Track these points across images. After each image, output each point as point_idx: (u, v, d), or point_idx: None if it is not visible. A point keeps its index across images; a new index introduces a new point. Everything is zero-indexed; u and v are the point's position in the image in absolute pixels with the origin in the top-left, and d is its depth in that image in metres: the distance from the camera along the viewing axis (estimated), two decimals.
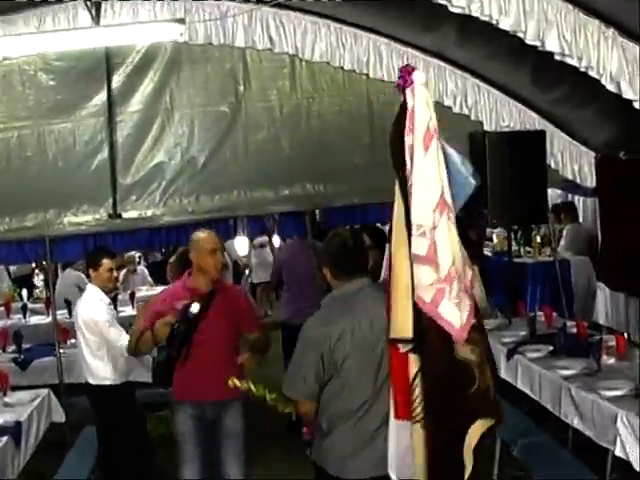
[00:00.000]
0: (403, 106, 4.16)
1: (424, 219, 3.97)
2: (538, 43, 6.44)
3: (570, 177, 9.93)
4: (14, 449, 6.46)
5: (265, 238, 16.76)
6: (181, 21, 7.01)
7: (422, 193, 4.00)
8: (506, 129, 9.39)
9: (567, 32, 6.41)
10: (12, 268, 14.85)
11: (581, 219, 12.63)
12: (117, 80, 9.45)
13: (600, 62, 6.50)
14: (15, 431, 6.56)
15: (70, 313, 10.56)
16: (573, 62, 6.54)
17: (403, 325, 4.16)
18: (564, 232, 12.61)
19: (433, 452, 4.07)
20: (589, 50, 6.48)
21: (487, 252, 13.45)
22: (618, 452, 5.71)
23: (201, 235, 5.97)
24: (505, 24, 6.25)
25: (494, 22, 6.30)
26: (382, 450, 4.42)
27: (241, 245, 14.89)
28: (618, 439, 5.67)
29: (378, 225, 9.23)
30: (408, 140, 4.06)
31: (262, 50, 9.11)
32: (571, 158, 9.77)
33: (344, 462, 4.58)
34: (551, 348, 7.30)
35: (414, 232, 3.96)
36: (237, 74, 9.67)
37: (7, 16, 8.20)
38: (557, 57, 6.56)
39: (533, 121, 9.55)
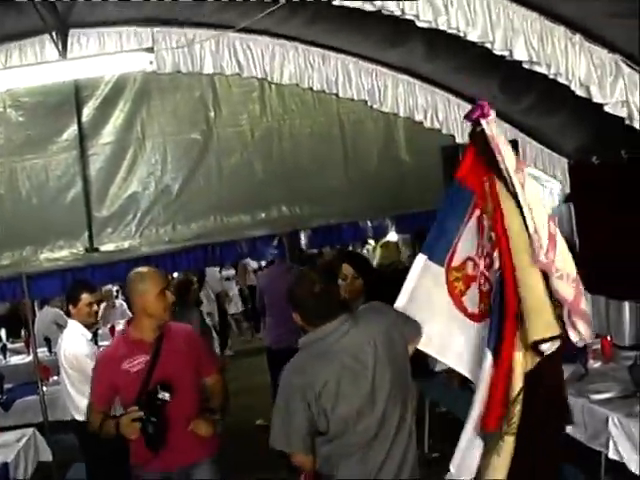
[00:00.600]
0: (477, 134, 4.39)
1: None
2: (506, 52, 6.41)
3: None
4: None
5: (231, 271, 17.14)
6: (149, 50, 7.06)
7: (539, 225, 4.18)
8: None
9: (534, 40, 6.40)
10: None
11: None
12: (87, 113, 9.54)
13: (569, 68, 6.51)
14: (2, 473, 6.54)
15: (50, 350, 10.60)
16: (542, 70, 6.52)
17: (548, 325, 4.19)
18: None
19: (523, 462, 4.18)
20: (557, 56, 6.49)
21: None
22: (611, 454, 5.76)
23: (144, 273, 5.05)
24: (473, 35, 6.20)
25: (462, 34, 6.28)
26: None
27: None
28: (611, 441, 5.72)
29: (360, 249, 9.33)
30: (504, 166, 4.23)
31: (231, 75, 9.02)
32: (544, 165, 9.75)
33: None
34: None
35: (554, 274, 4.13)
36: (207, 101, 9.80)
37: None
38: (525, 65, 6.52)
39: (504, 131, 9.24)
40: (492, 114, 4.44)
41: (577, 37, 6.46)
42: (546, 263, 4.16)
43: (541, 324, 4.21)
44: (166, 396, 4.69)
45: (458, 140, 9.36)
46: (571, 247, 9.62)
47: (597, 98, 6.55)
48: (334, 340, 4.31)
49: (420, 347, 4.63)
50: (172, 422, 4.82)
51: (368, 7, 6.15)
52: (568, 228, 11.81)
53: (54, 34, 7.90)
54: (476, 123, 4.47)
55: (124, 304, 14.10)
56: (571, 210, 10.88)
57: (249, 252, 11.51)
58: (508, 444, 4.15)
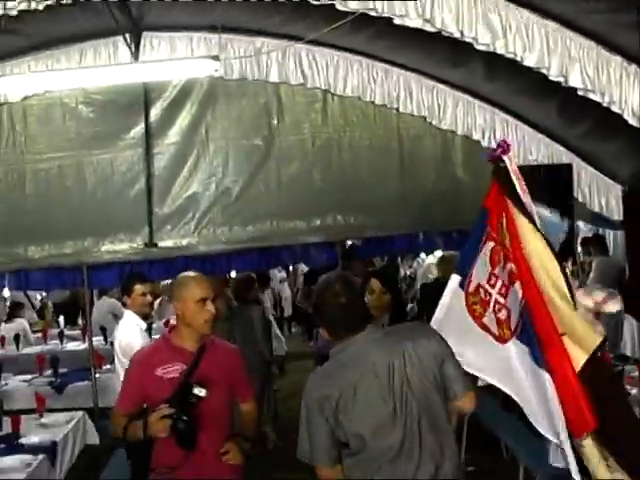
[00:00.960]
0: (499, 170, 4.56)
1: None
2: (562, 79, 6.62)
3: (597, 210, 9.96)
4: (49, 468, 6.61)
5: (283, 274, 17.33)
6: (215, 58, 7.28)
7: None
8: (534, 162, 9.48)
9: (590, 68, 6.58)
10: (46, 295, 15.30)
11: (611, 252, 12.68)
12: (155, 113, 9.76)
13: (622, 97, 6.64)
14: (51, 450, 6.73)
15: (105, 339, 10.86)
16: (596, 97, 6.70)
17: (589, 339, 4.43)
18: (593, 265, 12.51)
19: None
20: (611, 86, 6.64)
21: None
22: None
23: (187, 280, 4.72)
24: (529, 61, 6.43)
25: (519, 59, 6.47)
26: None
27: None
28: None
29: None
30: (526, 199, 4.56)
31: (295, 85, 9.35)
32: (598, 191, 9.80)
33: None
34: None
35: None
36: (271, 108, 9.95)
37: (50, 51, 8.55)
38: (580, 92, 6.69)
39: (560, 155, 9.62)
40: (511, 151, 4.67)
41: (633, 67, 6.60)
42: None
43: (589, 335, 4.44)
44: (202, 392, 4.35)
45: (515, 161, 9.46)
46: (623, 274, 9.62)
47: None
48: (358, 352, 4.20)
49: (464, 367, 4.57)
50: (204, 426, 4.45)
51: (429, 28, 6.37)
52: (622, 255, 11.87)
53: (127, 36, 8.28)
54: (498, 160, 4.65)
55: None
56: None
57: (302, 257, 11.65)
58: (589, 445, 4.37)
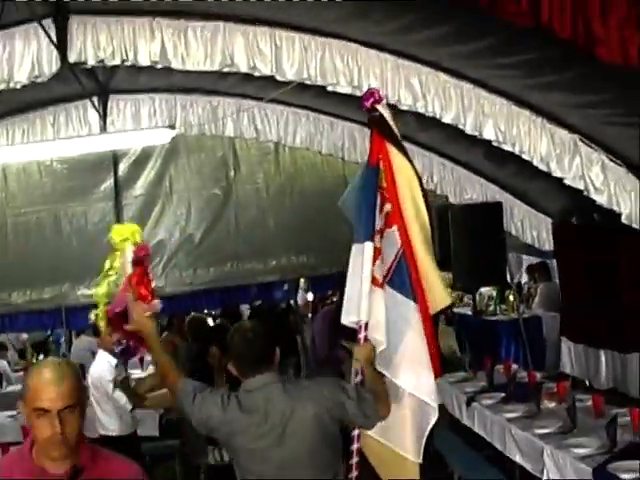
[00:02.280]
0: (374, 118, 4.76)
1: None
2: (477, 133, 7.25)
3: (530, 242, 10.41)
4: None
5: None
6: (172, 127, 8.01)
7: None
8: (469, 201, 9.93)
9: (501, 123, 7.18)
10: (25, 336, 15.75)
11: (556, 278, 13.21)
12: (122, 169, 10.40)
13: (531, 146, 7.24)
14: None
15: (84, 376, 11.41)
16: (508, 148, 7.31)
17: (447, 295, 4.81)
18: (538, 290, 12.99)
19: None
20: (521, 137, 7.22)
21: (467, 311, 13.84)
22: (544, 479, 6.38)
23: (35, 373, 2.91)
24: (447, 118, 7.08)
25: (438, 116, 7.11)
26: None
27: None
28: (545, 469, 6.37)
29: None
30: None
31: (249, 139, 9.84)
32: (530, 225, 10.22)
33: None
34: (503, 395, 7.86)
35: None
36: (228, 160, 10.63)
37: (25, 115, 9.07)
38: (494, 144, 7.35)
39: (494, 193, 10.02)
40: (384, 98, 4.86)
41: (539, 120, 7.19)
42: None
43: (443, 294, 4.77)
44: None
45: (452, 199, 10.04)
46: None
47: (556, 173, 7.30)
48: (258, 399, 4.28)
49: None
50: None
51: (358, 93, 6.93)
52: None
53: (95, 99, 8.88)
54: (372, 110, 4.78)
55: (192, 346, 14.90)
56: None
57: (261, 295, 12.23)
58: None
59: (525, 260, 13.91)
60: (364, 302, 4.68)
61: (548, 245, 10.41)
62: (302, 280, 13.02)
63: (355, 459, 4.67)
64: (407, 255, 4.72)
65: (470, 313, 13.82)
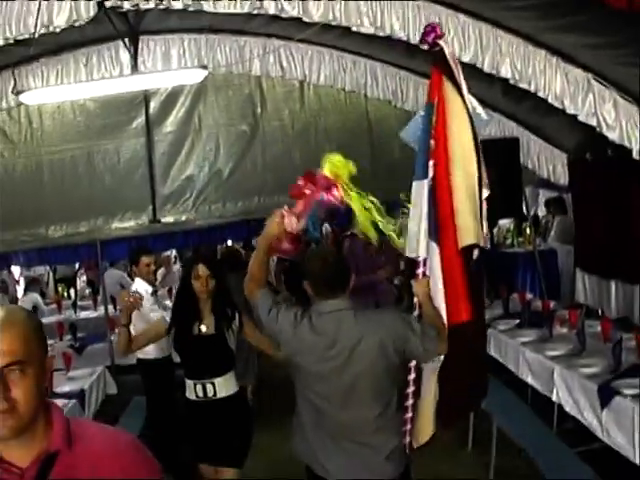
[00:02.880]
0: (437, 54, 4.56)
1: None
2: (494, 71, 7.47)
3: (545, 176, 10.69)
4: (80, 411, 7.59)
5: None
6: (204, 67, 8.16)
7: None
8: (487, 137, 9.60)
9: (518, 62, 7.40)
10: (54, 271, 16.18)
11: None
12: (153, 107, 10.57)
13: (546, 85, 7.47)
14: (80, 396, 7.74)
15: (115, 307, 11.78)
16: (524, 85, 7.54)
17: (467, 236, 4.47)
18: (554, 223, 13.26)
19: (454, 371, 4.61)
20: (537, 75, 7.45)
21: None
22: (554, 398, 6.84)
23: None
24: (465, 57, 7.24)
25: (456, 56, 7.28)
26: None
27: None
28: (554, 389, 6.83)
29: None
30: (461, 81, 4.53)
31: (275, 77, 10.12)
32: (546, 160, 10.45)
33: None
34: (517, 321, 8.38)
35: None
36: (254, 98, 10.76)
37: (59, 56, 9.37)
38: (511, 82, 7.57)
39: (512, 129, 10.24)
40: (445, 34, 4.67)
41: (554, 59, 7.43)
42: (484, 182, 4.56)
43: (471, 233, 4.51)
44: None
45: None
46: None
47: (570, 110, 7.55)
48: (329, 321, 4.40)
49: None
50: None
51: (381, 33, 7.32)
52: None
53: (126, 40, 9.08)
54: (434, 45, 4.58)
55: (180, 269, 14.89)
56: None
57: None
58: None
59: (542, 194, 14.07)
60: (422, 238, 4.65)
61: (563, 179, 10.63)
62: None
63: (412, 388, 4.73)
64: (437, 191, 4.58)
65: (488, 246, 14.18)
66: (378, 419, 4.44)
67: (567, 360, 7.01)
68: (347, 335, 4.36)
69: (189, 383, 5.83)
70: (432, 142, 4.59)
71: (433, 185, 4.57)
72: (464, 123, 4.52)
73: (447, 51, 4.58)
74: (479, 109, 4.72)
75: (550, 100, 7.61)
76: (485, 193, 4.59)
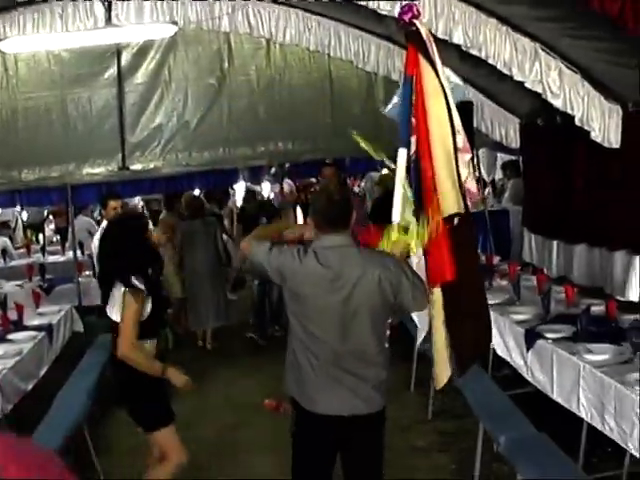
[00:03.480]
0: (412, 33, 4.68)
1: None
2: (447, 38, 7.69)
3: (498, 139, 10.91)
4: (48, 344, 8.08)
5: None
6: (174, 23, 8.62)
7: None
8: None
9: (469, 29, 7.69)
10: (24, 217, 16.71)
11: None
12: (125, 58, 10.89)
13: (496, 52, 7.78)
14: (49, 330, 8.21)
15: (82, 252, 12.20)
16: (475, 52, 7.85)
17: (450, 205, 4.58)
18: (508, 186, 13.78)
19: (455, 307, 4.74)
20: (487, 43, 7.74)
21: None
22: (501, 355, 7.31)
23: None
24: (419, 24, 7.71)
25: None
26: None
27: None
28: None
29: None
30: (436, 59, 4.62)
31: (243, 34, 10.29)
32: (499, 124, 10.75)
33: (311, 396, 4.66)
34: None
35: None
36: (223, 54, 11.10)
37: (36, 5, 9.34)
38: (463, 48, 7.87)
39: (469, 93, 10.14)
40: (421, 14, 4.78)
41: (504, 28, 7.74)
42: (467, 159, 4.72)
43: (453, 203, 4.64)
44: None
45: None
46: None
47: (517, 77, 7.90)
48: (331, 255, 4.56)
49: None
50: None
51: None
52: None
53: None
54: (409, 24, 4.71)
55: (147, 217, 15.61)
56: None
57: (249, 177, 13.17)
58: (437, 295, 4.71)
59: (500, 158, 14.55)
60: (396, 203, 4.83)
61: (515, 143, 10.90)
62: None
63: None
64: (421, 163, 4.76)
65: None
66: (374, 351, 4.64)
67: (502, 308, 7.54)
68: (351, 269, 4.54)
69: None
70: (413, 120, 4.77)
71: (417, 159, 4.78)
72: (439, 98, 4.68)
73: (423, 30, 4.73)
74: (453, 77, 5.01)
75: (499, 67, 7.92)
76: (467, 157, 4.79)
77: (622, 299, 7.73)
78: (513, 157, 13.52)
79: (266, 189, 17.66)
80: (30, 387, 7.37)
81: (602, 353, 5.92)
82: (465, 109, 9.28)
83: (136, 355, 5.39)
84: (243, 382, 9.54)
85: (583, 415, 5.83)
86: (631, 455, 5.43)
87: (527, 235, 11.31)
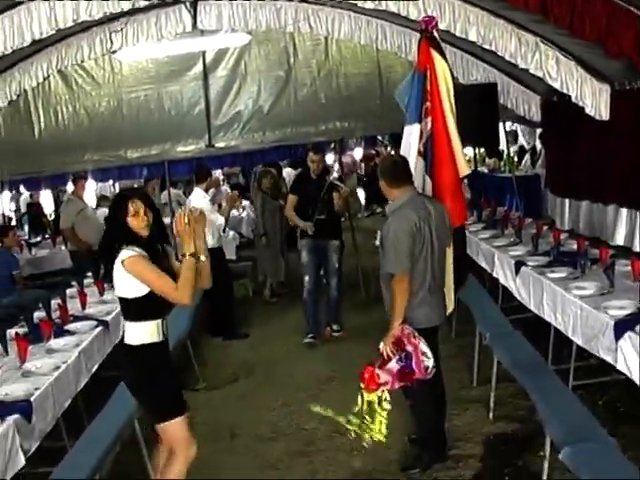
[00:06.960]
0: (429, 37, 5.87)
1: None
2: (464, 35, 9.06)
3: (522, 114, 12.07)
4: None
5: None
6: (249, 33, 10.37)
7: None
8: (474, 82, 11.38)
9: (482, 29, 9.03)
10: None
11: None
12: (209, 57, 12.44)
13: (503, 46, 9.09)
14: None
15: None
16: (487, 47, 9.17)
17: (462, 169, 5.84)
18: (542, 152, 14.59)
19: None
20: (496, 39, 9.04)
21: (484, 170, 16.01)
22: (494, 274, 8.74)
23: None
24: (442, 25, 8.62)
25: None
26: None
27: None
28: (495, 268, 8.72)
29: None
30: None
31: (305, 33, 11.63)
32: (522, 101, 11.96)
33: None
34: (495, 232, 9.98)
35: None
36: (289, 50, 12.48)
37: (135, 16, 10.88)
38: (477, 44, 9.20)
39: (494, 75, 11.67)
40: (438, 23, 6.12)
41: (510, 27, 9.09)
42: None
43: (465, 166, 5.99)
44: None
45: (460, 81, 11.21)
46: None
47: (522, 65, 9.26)
48: (415, 203, 5.44)
49: None
50: None
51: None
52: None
53: (188, 4, 10.79)
54: (427, 31, 5.95)
55: (228, 189, 16.96)
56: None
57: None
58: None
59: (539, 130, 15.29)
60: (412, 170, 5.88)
61: (537, 117, 12.07)
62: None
63: None
64: (436, 138, 5.78)
65: (487, 171, 16.18)
66: (445, 275, 5.86)
67: (505, 249, 8.85)
68: (431, 213, 5.59)
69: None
70: (428, 104, 5.88)
71: (432, 135, 5.84)
72: (449, 83, 5.94)
73: (438, 37, 6.09)
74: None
75: (507, 58, 9.23)
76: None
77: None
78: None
79: (329, 159, 18.83)
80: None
81: None
82: (490, 90, 11.10)
83: (187, 290, 4.91)
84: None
85: None
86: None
87: (551, 197, 12.51)
